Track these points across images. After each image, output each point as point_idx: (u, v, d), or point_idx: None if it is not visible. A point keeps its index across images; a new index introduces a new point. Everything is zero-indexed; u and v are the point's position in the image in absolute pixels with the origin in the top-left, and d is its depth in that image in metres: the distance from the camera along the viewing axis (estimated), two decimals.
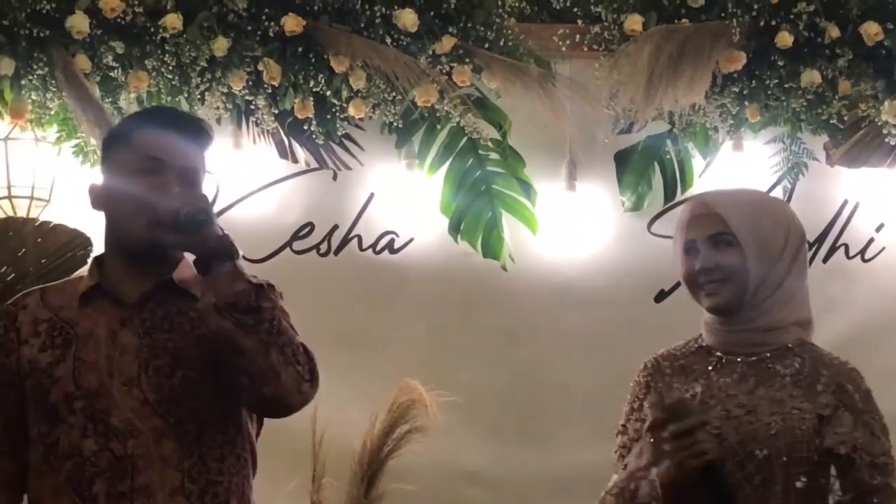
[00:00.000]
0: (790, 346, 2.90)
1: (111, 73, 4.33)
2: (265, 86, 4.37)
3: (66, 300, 2.67)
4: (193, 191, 2.61)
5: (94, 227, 4.34)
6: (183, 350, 2.61)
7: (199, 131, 2.75)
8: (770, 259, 2.87)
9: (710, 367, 2.92)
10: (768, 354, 2.90)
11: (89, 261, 4.19)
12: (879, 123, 4.54)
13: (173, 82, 4.33)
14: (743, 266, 2.85)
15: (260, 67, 4.34)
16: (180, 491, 2.56)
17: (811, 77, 4.45)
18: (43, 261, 4.25)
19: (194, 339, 2.63)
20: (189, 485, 2.57)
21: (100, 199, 2.70)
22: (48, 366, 2.59)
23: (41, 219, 4.39)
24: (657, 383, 2.95)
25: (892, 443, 2.88)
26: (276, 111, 4.47)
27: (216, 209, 4.58)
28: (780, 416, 2.81)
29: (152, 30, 4.27)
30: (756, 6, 4.44)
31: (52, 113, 4.39)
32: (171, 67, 4.29)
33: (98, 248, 4.25)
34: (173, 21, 4.23)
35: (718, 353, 2.93)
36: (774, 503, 2.77)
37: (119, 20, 4.24)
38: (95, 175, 4.42)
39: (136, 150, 2.64)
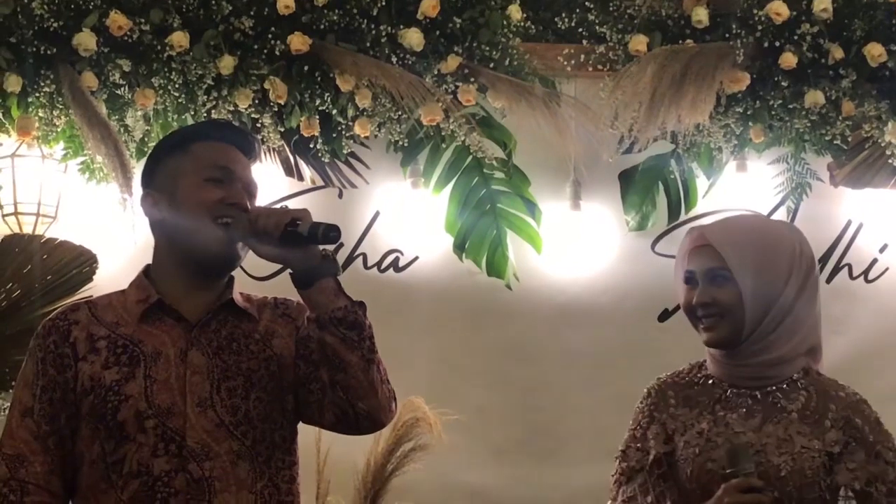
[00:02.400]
0: (795, 378, 2.88)
1: (118, 91, 4.34)
2: (271, 104, 4.38)
3: (119, 316, 2.64)
4: (287, 207, 2.60)
5: (99, 244, 4.39)
6: (255, 372, 2.62)
7: (253, 144, 2.78)
8: (772, 292, 2.84)
9: (715, 401, 2.90)
10: (774, 388, 2.88)
11: (95, 277, 4.27)
12: (883, 144, 4.55)
13: (180, 100, 4.34)
14: (739, 302, 2.84)
15: (266, 86, 4.35)
16: None
17: (815, 98, 4.47)
18: (49, 277, 4.25)
19: (263, 361, 2.64)
20: None
21: (159, 207, 2.66)
22: (115, 383, 2.55)
23: (47, 235, 4.40)
24: (661, 413, 2.93)
25: None
26: (282, 129, 4.48)
27: None
28: (789, 455, 2.78)
29: (159, 48, 4.28)
30: (760, 27, 4.45)
31: (59, 130, 4.39)
32: (177, 85, 4.30)
33: (105, 264, 4.32)
34: (180, 39, 4.24)
35: (724, 386, 2.91)
36: None
37: (126, 38, 4.25)
38: (102, 192, 4.47)
39: (199, 159, 2.65)
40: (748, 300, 2.82)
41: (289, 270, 2.57)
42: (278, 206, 4.47)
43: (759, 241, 2.90)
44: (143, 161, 4.32)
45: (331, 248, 2.58)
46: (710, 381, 2.93)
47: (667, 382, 2.98)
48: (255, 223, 2.53)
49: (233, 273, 2.71)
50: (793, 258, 2.88)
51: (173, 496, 2.51)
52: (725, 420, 2.85)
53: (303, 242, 2.50)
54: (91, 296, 4.22)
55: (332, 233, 2.50)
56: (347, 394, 2.55)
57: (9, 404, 2.67)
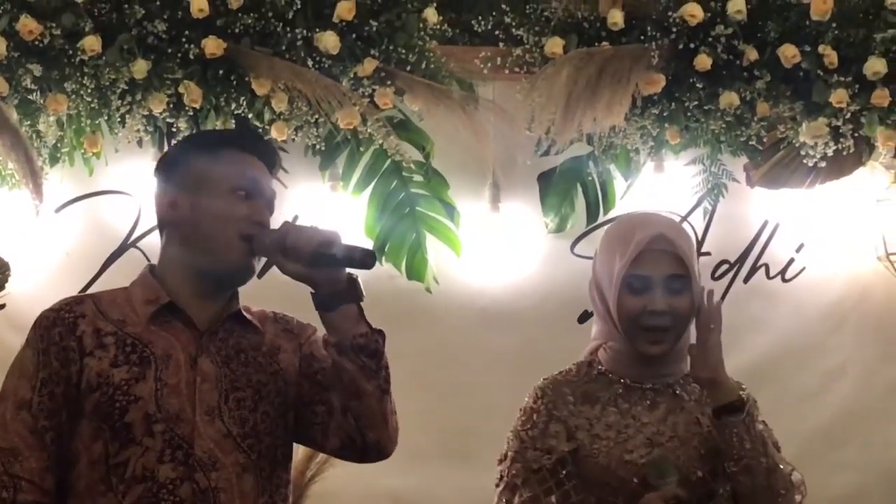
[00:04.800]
0: (687, 373, 2.91)
1: (29, 96, 4.25)
2: (186, 108, 4.32)
3: (126, 314, 2.60)
4: (321, 228, 2.61)
5: (14, 252, 4.33)
6: (265, 385, 2.62)
7: (275, 159, 2.79)
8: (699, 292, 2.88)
9: (616, 395, 2.90)
10: (672, 381, 2.91)
11: (8, 285, 4.20)
12: (797, 145, 4.58)
13: (93, 105, 4.27)
14: (691, 311, 2.84)
15: (181, 90, 4.28)
16: None
17: (730, 99, 4.49)
18: None
19: (271, 375, 2.64)
20: None
21: (179, 208, 2.64)
22: (124, 382, 2.51)
23: None
24: (560, 411, 2.92)
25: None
26: None
27: (139, 233, 4.55)
28: (701, 437, 2.83)
29: (71, 52, 4.20)
30: (675, 29, 4.46)
31: None
32: (90, 90, 4.23)
33: (21, 273, 4.26)
34: (92, 43, 4.17)
35: (624, 381, 2.92)
36: None
37: (37, 42, 4.16)
38: (12, 198, 4.39)
39: (229, 168, 2.63)
40: (696, 305, 2.83)
41: (311, 290, 2.57)
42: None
43: (692, 243, 2.93)
44: (57, 166, 4.34)
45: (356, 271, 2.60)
46: (607, 377, 2.93)
47: (559, 381, 2.98)
48: (285, 240, 2.51)
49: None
50: None
51: None
52: (632, 412, 2.87)
53: (335, 265, 2.50)
54: (3, 304, 4.20)
55: (368, 259, 2.53)
56: (359, 422, 2.57)
57: None
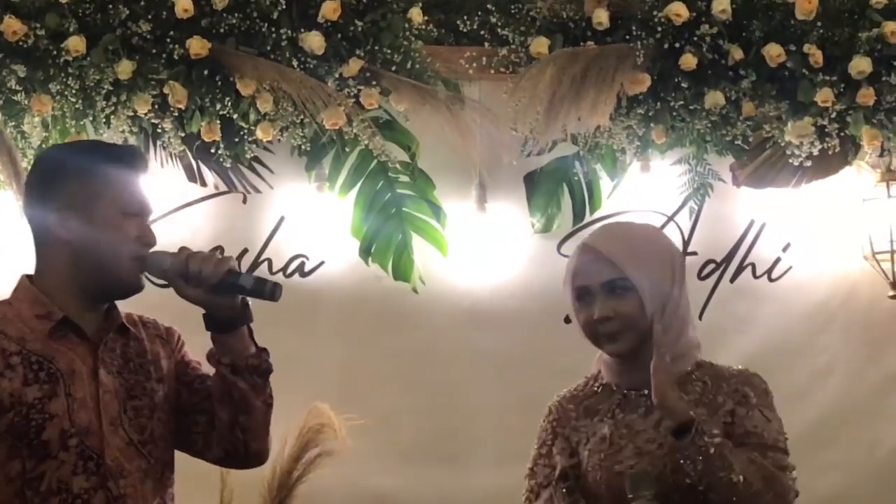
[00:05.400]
0: (689, 371, 2.91)
1: (14, 97, 4.24)
2: (171, 109, 4.31)
3: (23, 331, 2.61)
4: (219, 255, 2.68)
5: None
6: (156, 392, 2.69)
7: (147, 169, 2.80)
8: (663, 295, 2.88)
9: (615, 406, 2.92)
10: None
11: None
12: (783, 144, 4.60)
13: (77, 106, 4.26)
14: (641, 311, 2.85)
15: (165, 90, 4.27)
16: None
17: (715, 98, 4.50)
18: None
19: (158, 381, 2.71)
20: None
21: (68, 226, 2.63)
22: (38, 401, 2.54)
23: None
24: (564, 428, 2.96)
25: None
26: (183, 134, 4.41)
27: None
28: None
29: (55, 53, 4.18)
30: (660, 29, 4.47)
31: None
32: (74, 91, 4.22)
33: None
34: (76, 44, 4.16)
35: (623, 390, 2.93)
36: None
37: (21, 43, 4.15)
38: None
39: (119, 188, 2.66)
40: (649, 307, 2.84)
41: (203, 312, 2.65)
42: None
43: (646, 245, 2.95)
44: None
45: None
46: (609, 388, 2.95)
47: (566, 397, 3.03)
48: (187, 266, 2.57)
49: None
50: (672, 256, 2.96)
51: None
52: (626, 422, 2.88)
53: (242, 294, 2.61)
54: None
55: (278, 292, 2.60)
56: (246, 435, 2.69)
57: None
